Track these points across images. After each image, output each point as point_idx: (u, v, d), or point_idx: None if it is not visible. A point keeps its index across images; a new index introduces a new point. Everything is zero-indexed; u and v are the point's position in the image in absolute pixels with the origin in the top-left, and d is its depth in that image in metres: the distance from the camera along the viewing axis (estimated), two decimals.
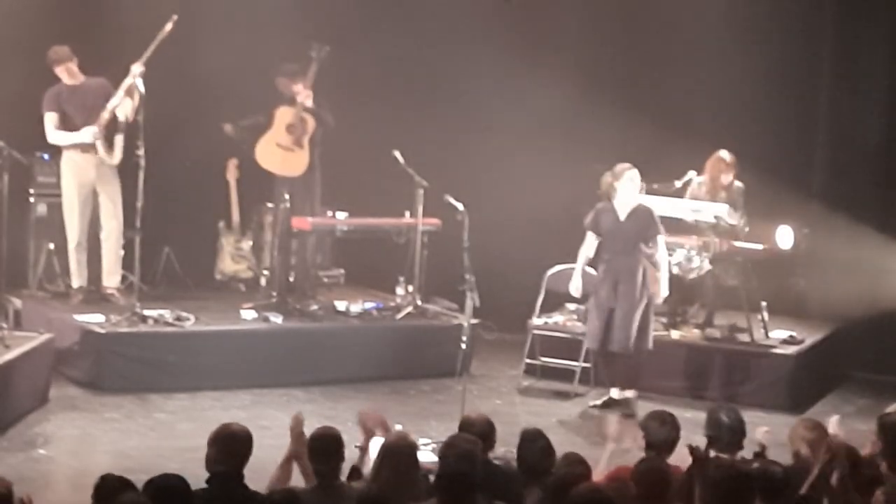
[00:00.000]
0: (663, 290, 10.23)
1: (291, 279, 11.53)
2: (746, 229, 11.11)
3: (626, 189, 10.14)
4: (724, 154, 11.08)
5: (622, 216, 10.16)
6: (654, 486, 5.89)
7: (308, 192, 11.38)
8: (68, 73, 10.72)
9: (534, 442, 6.55)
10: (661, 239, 10.18)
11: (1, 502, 5.30)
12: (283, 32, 11.88)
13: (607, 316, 10.06)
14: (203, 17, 11.53)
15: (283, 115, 11.18)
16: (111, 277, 11.01)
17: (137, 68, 10.50)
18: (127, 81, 10.58)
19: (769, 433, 7.00)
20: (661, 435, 6.73)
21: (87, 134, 10.67)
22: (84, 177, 10.83)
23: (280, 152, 11.18)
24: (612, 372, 10.32)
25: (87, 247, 10.99)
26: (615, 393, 10.30)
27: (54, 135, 10.77)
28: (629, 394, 10.27)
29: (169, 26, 10.45)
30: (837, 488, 6.04)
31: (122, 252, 11.00)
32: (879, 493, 5.84)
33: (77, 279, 11.00)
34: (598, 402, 10.28)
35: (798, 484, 6.19)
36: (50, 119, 10.76)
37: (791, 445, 6.71)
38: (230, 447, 5.93)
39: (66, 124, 10.77)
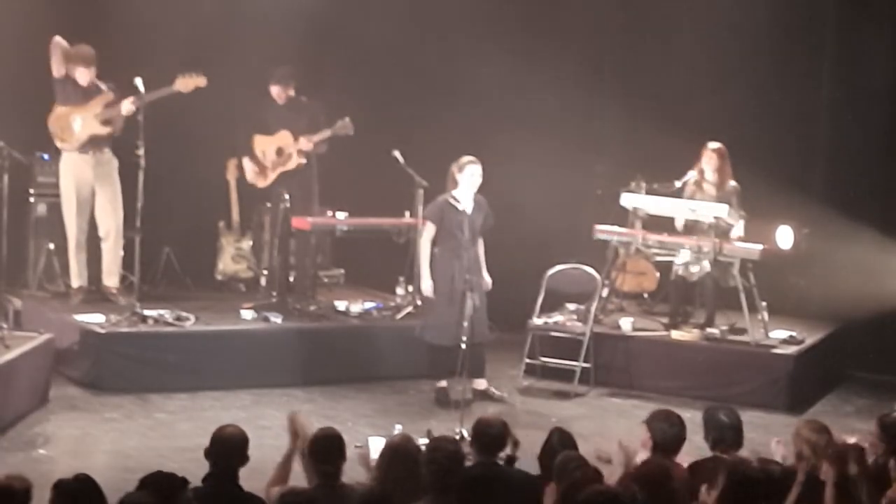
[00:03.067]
0: (489, 280, 10.24)
1: (291, 279, 11.54)
2: (740, 233, 11.07)
3: (468, 182, 10.07)
4: (710, 144, 11.09)
5: (468, 208, 10.11)
6: (659, 487, 5.86)
7: (306, 191, 11.40)
8: (84, 76, 10.67)
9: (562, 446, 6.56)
10: None
11: (18, 499, 5.30)
12: (285, 32, 11.89)
13: (460, 309, 9.88)
14: (205, 17, 11.54)
15: (261, 142, 11.45)
16: (111, 277, 11.00)
17: (128, 106, 10.52)
18: (123, 109, 10.57)
19: (780, 443, 6.98)
20: (670, 435, 6.71)
21: (77, 123, 10.70)
22: (82, 176, 10.82)
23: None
24: (473, 364, 10.08)
25: (87, 247, 10.99)
26: (482, 384, 10.23)
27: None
28: (483, 384, 10.24)
29: (189, 86, 10.54)
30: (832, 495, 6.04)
31: (121, 252, 10.98)
32: (892, 492, 5.85)
33: (77, 279, 10.99)
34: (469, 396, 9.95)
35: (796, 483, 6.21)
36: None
37: (794, 446, 6.72)
38: (223, 449, 5.99)
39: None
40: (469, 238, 10.05)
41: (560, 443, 6.56)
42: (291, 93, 11.38)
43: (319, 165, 11.49)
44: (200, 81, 10.60)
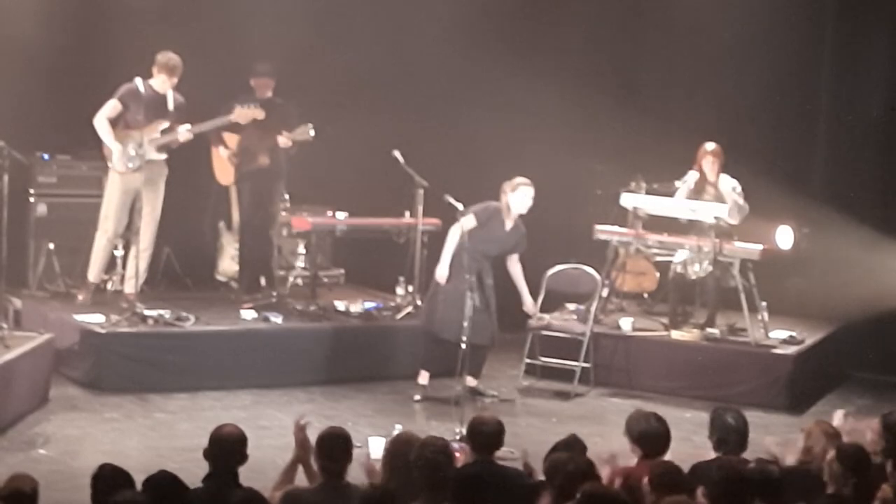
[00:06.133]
0: (529, 300, 10.44)
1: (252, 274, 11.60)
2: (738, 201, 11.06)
3: (518, 202, 10.14)
4: (708, 144, 11.11)
5: (508, 226, 10.20)
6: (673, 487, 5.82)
7: (270, 192, 11.38)
8: (162, 84, 10.64)
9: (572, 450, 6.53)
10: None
11: (25, 499, 5.31)
12: (285, 32, 11.88)
13: (470, 310, 9.83)
14: (205, 17, 11.54)
15: (230, 140, 11.55)
16: (130, 283, 10.85)
17: (185, 134, 10.63)
18: (181, 137, 10.64)
19: (779, 445, 6.99)
20: (651, 433, 6.67)
21: (116, 154, 10.61)
22: (130, 183, 10.74)
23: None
24: (473, 362, 10.09)
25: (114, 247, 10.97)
26: (472, 382, 10.22)
27: (101, 120, 10.61)
28: (474, 382, 10.27)
29: (248, 118, 10.72)
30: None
31: (147, 262, 10.89)
32: (886, 486, 5.85)
33: (94, 272, 10.91)
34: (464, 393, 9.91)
35: (798, 484, 6.20)
36: (110, 105, 10.63)
37: (805, 442, 6.71)
38: (222, 449, 6.00)
39: (126, 121, 10.69)
40: (496, 252, 10.18)
41: (566, 448, 6.53)
42: (270, 91, 11.30)
43: (324, 164, 11.48)
44: (258, 114, 10.79)
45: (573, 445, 6.53)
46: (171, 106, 10.73)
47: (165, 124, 10.66)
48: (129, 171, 10.64)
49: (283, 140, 11.12)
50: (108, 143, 10.62)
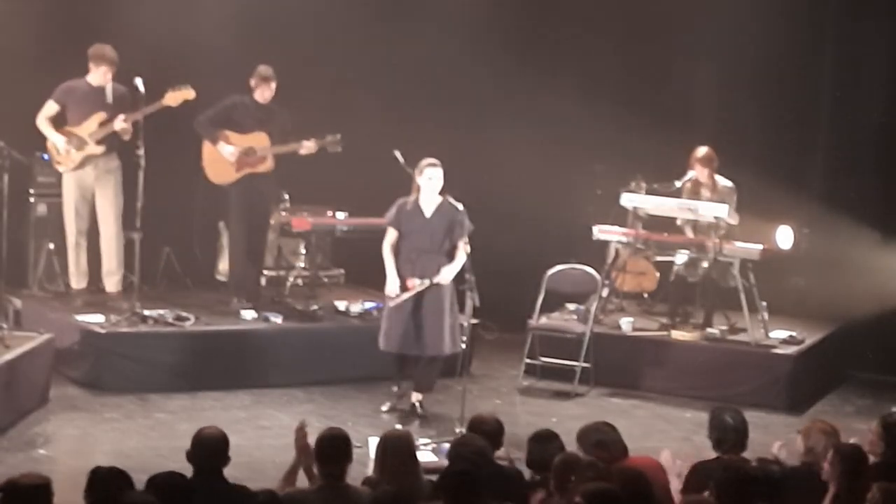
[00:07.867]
0: (442, 278, 9.72)
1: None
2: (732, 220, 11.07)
3: (426, 186, 9.78)
4: (698, 149, 11.11)
5: (427, 213, 9.87)
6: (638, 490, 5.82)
7: (271, 195, 11.31)
8: (102, 77, 10.66)
9: (549, 443, 6.52)
10: (465, 238, 9.70)
11: (39, 493, 5.32)
12: (286, 32, 11.89)
13: (409, 318, 9.74)
14: (205, 16, 11.54)
15: (231, 139, 11.10)
16: (109, 281, 10.94)
17: (120, 124, 10.52)
18: (116, 126, 10.55)
19: (784, 447, 7.00)
20: (609, 440, 6.60)
21: (61, 144, 10.67)
22: (83, 182, 10.78)
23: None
24: (417, 374, 9.95)
25: (88, 248, 10.96)
26: (417, 397, 9.96)
27: (41, 120, 10.70)
28: (420, 397, 9.95)
29: (178, 100, 10.57)
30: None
31: (120, 255, 10.86)
32: (876, 488, 5.86)
33: (76, 280, 10.96)
34: (402, 406, 9.96)
35: (798, 484, 6.21)
36: (48, 106, 10.71)
37: (804, 442, 6.72)
38: (205, 450, 6.02)
39: (66, 118, 10.73)
40: (427, 245, 9.80)
41: (546, 442, 6.52)
42: (271, 93, 11.17)
43: (323, 164, 11.46)
44: (189, 94, 10.63)
45: (552, 439, 6.53)
46: (109, 98, 10.70)
47: (103, 116, 10.65)
48: (73, 168, 10.68)
49: (309, 145, 11.04)
50: (53, 139, 10.69)
